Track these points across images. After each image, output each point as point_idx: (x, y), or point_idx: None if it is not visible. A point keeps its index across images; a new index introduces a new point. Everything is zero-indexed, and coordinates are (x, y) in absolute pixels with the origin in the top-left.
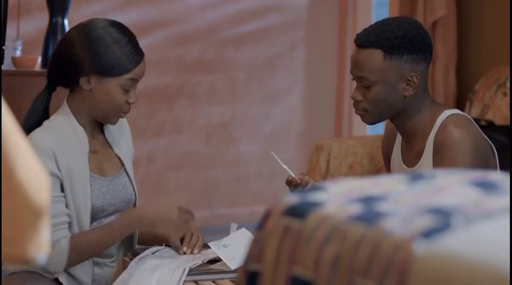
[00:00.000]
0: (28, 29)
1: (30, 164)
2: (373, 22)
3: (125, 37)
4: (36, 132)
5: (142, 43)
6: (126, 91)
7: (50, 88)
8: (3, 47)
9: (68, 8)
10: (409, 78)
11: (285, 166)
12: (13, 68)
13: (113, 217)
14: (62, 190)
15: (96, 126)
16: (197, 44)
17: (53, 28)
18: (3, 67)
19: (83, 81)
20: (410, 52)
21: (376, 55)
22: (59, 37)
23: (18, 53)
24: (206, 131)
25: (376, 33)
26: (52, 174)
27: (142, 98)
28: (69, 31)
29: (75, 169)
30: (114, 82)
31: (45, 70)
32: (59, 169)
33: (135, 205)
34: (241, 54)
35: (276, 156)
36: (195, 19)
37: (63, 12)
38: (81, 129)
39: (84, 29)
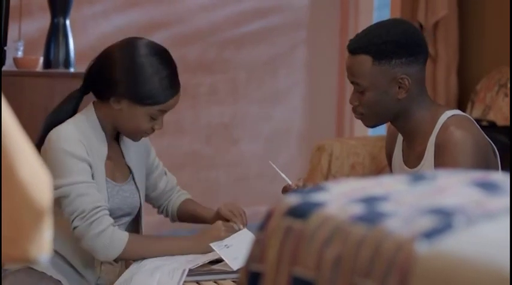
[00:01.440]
0: (30, 30)
1: (32, 164)
2: (374, 23)
3: (165, 69)
4: (63, 126)
5: None
6: (153, 118)
7: (84, 91)
8: (5, 48)
9: (70, 8)
10: (400, 80)
11: (283, 175)
12: (15, 69)
13: (119, 221)
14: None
15: (114, 134)
16: (198, 45)
17: (55, 28)
18: (4, 68)
19: (113, 100)
20: (399, 56)
21: (365, 61)
22: (61, 37)
23: (19, 54)
24: (207, 131)
25: (365, 39)
26: (85, 160)
27: None
28: (113, 47)
29: (95, 169)
30: (143, 110)
31: (46, 71)
32: (88, 155)
33: (139, 211)
34: (243, 55)
35: (274, 165)
36: (196, 19)
37: (65, 12)
38: (103, 134)
39: (129, 51)
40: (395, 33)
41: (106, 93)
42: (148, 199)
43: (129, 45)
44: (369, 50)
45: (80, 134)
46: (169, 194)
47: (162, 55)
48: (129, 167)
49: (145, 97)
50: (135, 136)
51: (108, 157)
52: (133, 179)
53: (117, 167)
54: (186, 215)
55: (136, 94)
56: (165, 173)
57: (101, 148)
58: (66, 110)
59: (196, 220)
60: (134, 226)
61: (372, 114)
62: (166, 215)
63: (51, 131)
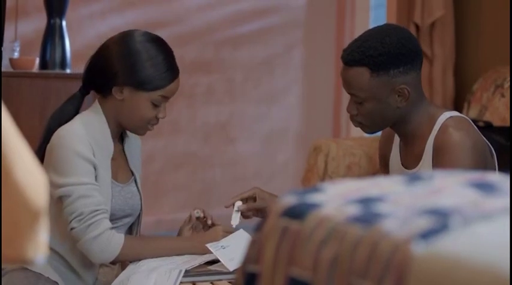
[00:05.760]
0: (26, 30)
1: (28, 165)
2: (370, 23)
3: (161, 54)
4: (73, 124)
5: None
6: (156, 106)
7: (84, 92)
8: (1, 48)
9: (66, 9)
10: (399, 90)
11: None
12: (11, 69)
13: (120, 222)
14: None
15: (118, 134)
16: (195, 44)
17: (51, 29)
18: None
19: (115, 90)
20: (397, 66)
21: (362, 74)
22: (57, 38)
23: (16, 54)
24: (204, 131)
25: (360, 51)
26: (90, 161)
27: None
28: (109, 39)
29: (101, 168)
30: (145, 96)
31: (42, 71)
32: (94, 156)
33: (140, 213)
34: (239, 55)
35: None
36: (193, 19)
37: (61, 13)
38: (109, 133)
39: (124, 40)
40: (391, 43)
41: (107, 85)
42: None
43: (124, 36)
44: (366, 63)
45: (88, 133)
46: None
47: (158, 42)
48: (130, 169)
49: (145, 81)
50: (141, 128)
51: (113, 158)
52: (135, 181)
53: (120, 168)
54: None
55: (136, 79)
56: None
57: (107, 146)
58: (69, 110)
59: None
60: (133, 228)
61: (371, 123)
62: None
63: (60, 128)
